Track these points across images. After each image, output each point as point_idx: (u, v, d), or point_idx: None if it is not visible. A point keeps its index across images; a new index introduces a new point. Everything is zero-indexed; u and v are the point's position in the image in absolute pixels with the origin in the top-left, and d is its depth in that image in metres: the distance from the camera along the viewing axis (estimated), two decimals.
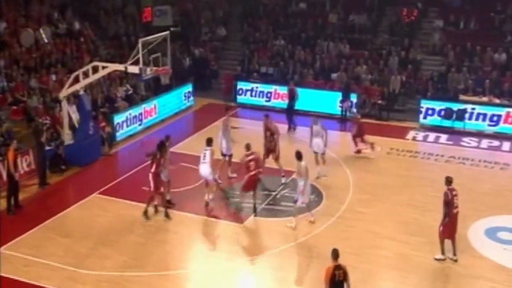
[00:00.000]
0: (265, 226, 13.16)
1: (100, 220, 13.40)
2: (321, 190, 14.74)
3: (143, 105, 19.95)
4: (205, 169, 13.54)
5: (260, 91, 22.20)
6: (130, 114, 19.16)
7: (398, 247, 12.26)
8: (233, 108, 15.78)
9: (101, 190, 14.85)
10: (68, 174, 16.05)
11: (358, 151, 17.21)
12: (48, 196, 14.81)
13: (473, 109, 19.58)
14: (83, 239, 12.56)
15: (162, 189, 13.33)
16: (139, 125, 19.56)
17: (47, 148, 15.92)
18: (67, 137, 16.75)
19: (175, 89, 21.82)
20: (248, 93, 22.38)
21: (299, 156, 12.98)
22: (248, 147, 13.60)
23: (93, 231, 12.89)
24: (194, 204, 14.02)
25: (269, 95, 22.00)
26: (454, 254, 11.74)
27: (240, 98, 22.49)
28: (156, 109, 20.43)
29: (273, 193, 14.60)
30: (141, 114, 19.65)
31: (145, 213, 13.36)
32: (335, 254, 9.04)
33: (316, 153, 15.34)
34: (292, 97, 19.80)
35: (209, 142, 13.79)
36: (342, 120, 20.49)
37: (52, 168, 15.91)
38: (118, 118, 18.50)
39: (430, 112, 20.04)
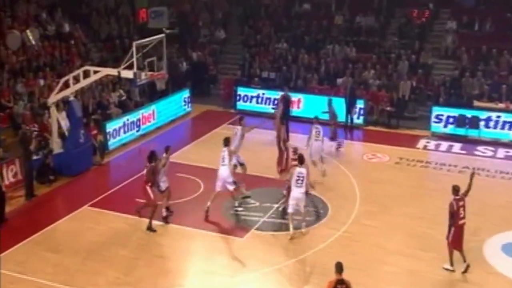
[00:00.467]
0: (266, 240, 13.22)
1: (91, 234, 13.45)
2: (327, 202, 14.81)
3: (140, 111, 20.10)
4: (224, 171, 13.91)
5: (267, 98, 22.16)
6: (126, 120, 19.30)
7: (407, 262, 12.31)
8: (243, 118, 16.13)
9: (92, 202, 14.91)
10: (57, 185, 16.12)
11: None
12: (36, 208, 14.86)
13: (489, 116, 19.68)
14: (73, 254, 12.61)
15: (153, 200, 13.40)
16: (137, 131, 19.74)
17: (35, 157, 15.98)
18: (56, 145, 16.84)
19: (174, 94, 21.99)
20: (254, 100, 22.35)
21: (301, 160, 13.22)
22: (295, 151, 13.98)
23: (84, 246, 12.94)
24: (191, 217, 14.08)
25: (276, 102, 21.52)
26: (464, 261, 11.84)
27: (241, 105, 22.56)
28: (154, 115, 20.60)
29: (275, 206, 14.66)
30: (135, 121, 19.78)
31: (149, 227, 13.44)
32: (339, 267, 9.12)
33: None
34: (287, 104, 19.82)
35: (226, 142, 14.20)
36: (348, 128, 20.61)
37: (40, 178, 15.98)
38: (110, 126, 18.62)
39: (442, 119, 20.13)
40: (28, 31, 20.77)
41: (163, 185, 13.74)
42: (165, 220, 13.85)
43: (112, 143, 18.65)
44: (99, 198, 15.15)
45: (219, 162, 14.12)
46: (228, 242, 13.18)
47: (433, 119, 20.19)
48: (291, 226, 13.19)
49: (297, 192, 13.03)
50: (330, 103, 18.87)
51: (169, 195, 13.93)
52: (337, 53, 24.00)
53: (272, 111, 17.70)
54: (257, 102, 22.47)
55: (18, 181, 15.65)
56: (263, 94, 22.37)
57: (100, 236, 13.37)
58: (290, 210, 13.21)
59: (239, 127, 15.55)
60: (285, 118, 19.65)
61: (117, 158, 18.30)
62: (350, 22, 25.30)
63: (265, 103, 22.31)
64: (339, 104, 20.82)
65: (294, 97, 20.66)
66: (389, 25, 25.23)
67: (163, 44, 16.22)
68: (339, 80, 22.44)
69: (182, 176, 16.10)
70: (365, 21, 24.94)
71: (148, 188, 13.34)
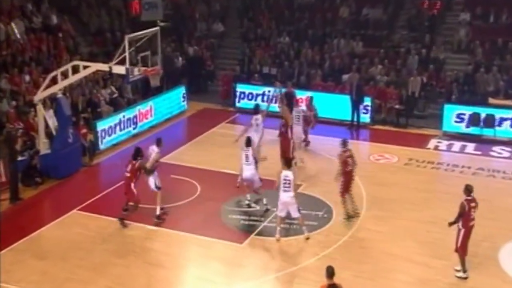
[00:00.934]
0: (267, 246, 13.22)
1: (80, 240, 13.44)
2: (331, 205, 14.81)
3: (137, 108, 20.19)
4: (249, 171, 14.30)
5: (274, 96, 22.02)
6: (122, 117, 19.36)
7: (418, 271, 12.30)
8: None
9: (81, 206, 14.91)
10: (43, 187, 16.13)
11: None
12: (21, 213, 14.86)
13: (505, 114, 19.67)
14: (61, 261, 12.61)
15: (137, 198, 13.57)
16: (134, 128, 19.86)
17: (20, 158, 16.01)
18: (43, 145, 16.85)
19: (173, 90, 22.06)
20: (259, 98, 22.26)
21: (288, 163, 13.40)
22: (344, 143, 14.18)
23: (72, 253, 12.93)
24: (186, 221, 14.09)
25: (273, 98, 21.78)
26: (464, 271, 11.91)
27: (242, 103, 22.49)
28: (151, 112, 20.73)
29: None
30: (132, 118, 19.83)
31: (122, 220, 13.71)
32: (330, 272, 9.21)
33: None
34: (291, 101, 19.86)
35: (248, 142, 14.43)
36: (353, 127, 20.61)
37: (26, 181, 15.99)
38: (101, 125, 18.62)
39: (454, 118, 20.13)
40: (12, 23, 20.81)
41: (158, 181, 13.92)
42: (159, 218, 13.89)
43: (104, 142, 18.62)
44: (88, 201, 15.15)
45: (241, 162, 14.38)
46: (226, 248, 13.17)
47: (445, 117, 20.16)
48: (278, 229, 13.30)
49: (285, 197, 13.05)
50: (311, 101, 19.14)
51: (158, 197, 14.07)
52: (343, 47, 24.01)
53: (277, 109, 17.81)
54: (263, 101, 22.25)
55: (2, 183, 15.64)
56: (269, 92, 22.17)
57: (90, 242, 13.35)
58: (282, 214, 13.21)
59: (259, 116, 15.84)
60: None
61: (109, 159, 18.29)
62: (356, 14, 25.32)
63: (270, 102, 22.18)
64: (345, 102, 20.86)
65: (300, 94, 20.60)
66: (398, 17, 25.25)
67: (158, 38, 16.24)
68: (345, 77, 22.45)
69: (177, 178, 16.10)
70: (372, 13, 24.95)
71: (132, 186, 13.49)
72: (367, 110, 20.98)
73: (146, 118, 20.59)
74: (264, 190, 14.59)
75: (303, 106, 18.84)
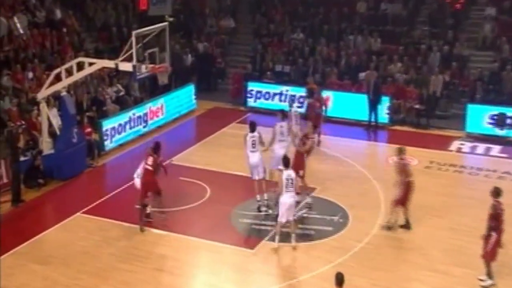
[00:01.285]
0: (279, 252, 13.17)
1: (85, 245, 13.48)
2: (346, 210, 14.75)
3: (148, 105, 20.32)
4: (256, 157, 14.48)
5: (291, 95, 21.70)
6: (132, 114, 19.53)
7: (439, 279, 12.21)
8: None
9: (86, 208, 14.96)
10: (46, 189, 16.20)
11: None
12: (23, 215, 14.92)
13: None
14: (64, 266, 12.64)
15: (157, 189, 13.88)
16: (144, 127, 19.99)
17: (23, 158, 16.09)
18: (46, 145, 16.93)
19: (183, 87, 22.13)
20: (276, 97, 22.26)
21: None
22: (401, 151, 13.95)
23: (76, 258, 12.96)
24: (196, 226, 14.10)
25: (301, 99, 21.21)
26: (491, 277, 11.80)
27: (259, 102, 22.44)
28: (162, 111, 20.87)
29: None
30: (140, 117, 19.90)
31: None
32: (339, 279, 9.18)
33: None
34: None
35: (253, 126, 14.59)
36: (370, 128, 20.54)
37: (28, 182, 16.06)
38: (107, 124, 18.68)
39: (478, 118, 20.00)
40: (15, 17, 20.93)
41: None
42: (148, 217, 14.13)
43: (110, 142, 18.66)
44: (93, 204, 15.19)
45: (247, 150, 14.48)
46: (236, 254, 13.15)
47: (468, 118, 19.99)
48: (277, 238, 13.17)
49: (287, 197, 12.95)
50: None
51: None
52: (360, 44, 23.94)
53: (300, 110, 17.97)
54: (279, 100, 22.14)
55: (3, 184, 15.73)
56: (287, 91, 22.10)
57: (94, 246, 13.39)
58: (283, 219, 13.03)
59: (284, 123, 15.22)
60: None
61: (115, 159, 18.35)
62: (374, 9, 25.26)
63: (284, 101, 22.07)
64: (362, 101, 20.78)
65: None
66: (418, 12, 25.12)
67: (166, 34, 16.26)
68: (362, 75, 22.37)
69: (186, 180, 16.12)
70: (391, 8, 24.87)
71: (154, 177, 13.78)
72: (388, 109, 20.84)
73: (157, 116, 20.64)
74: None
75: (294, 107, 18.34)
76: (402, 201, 13.81)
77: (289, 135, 15.13)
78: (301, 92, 21.09)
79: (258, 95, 22.63)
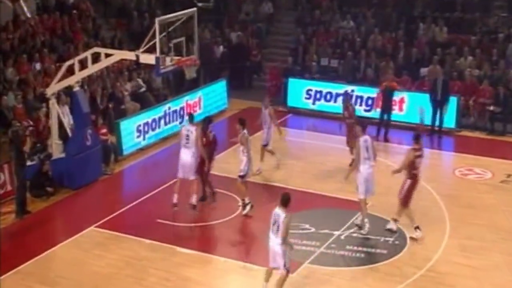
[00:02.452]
0: (322, 278, 13.15)
1: (98, 264, 13.60)
2: (404, 230, 14.64)
3: (185, 99, 20.83)
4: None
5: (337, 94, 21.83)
6: (168, 109, 20.08)
7: None
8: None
9: (100, 222, 15.11)
10: (56, 199, 16.40)
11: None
12: (28, 229, 15.09)
13: None
14: None
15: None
16: (180, 123, 20.34)
17: (29, 163, 16.31)
18: (56, 148, 17.16)
19: (211, 85, 22.40)
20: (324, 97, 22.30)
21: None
22: (417, 138, 14.23)
23: (88, 279, 13.08)
24: (227, 244, 14.23)
25: (369, 101, 21.42)
26: None
27: (319, 105, 22.49)
28: (199, 105, 21.39)
29: (336, 233, 14.59)
30: (160, 118, 20.09)
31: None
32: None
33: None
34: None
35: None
36: (434, 133, 20.43)
37: (35, 190, 16.28)
38: (126, 124, 18.90)
39: None
40: (21, 1, 21.21)
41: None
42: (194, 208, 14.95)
43: (129, 146, 18.89)
44: (109, 217, 15.36)
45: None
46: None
47: None
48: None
49: (272, 241, 11.95)
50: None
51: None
52: (422, 34, 23.80)
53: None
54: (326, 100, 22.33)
55: (6, 193, 15.95)
56: (352, 91, 21.73)
57: (110, 266, 13.51)
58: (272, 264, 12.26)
59: (367, 137, 14.71)
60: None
61: (134, 165, 18.55)
62: None
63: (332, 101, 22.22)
64: (424, 101, 20.61)
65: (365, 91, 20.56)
66: None
67: (194, 21, 16.39)
68: (423, 70, 22.29)
69: (216, 191, 16.19)
70: None
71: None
72: (455, 112, 20.71)
73: (194, 111, 20.73)
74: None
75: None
76: (408, 199, 14.09)
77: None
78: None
79: (318, 95, 22.51)
